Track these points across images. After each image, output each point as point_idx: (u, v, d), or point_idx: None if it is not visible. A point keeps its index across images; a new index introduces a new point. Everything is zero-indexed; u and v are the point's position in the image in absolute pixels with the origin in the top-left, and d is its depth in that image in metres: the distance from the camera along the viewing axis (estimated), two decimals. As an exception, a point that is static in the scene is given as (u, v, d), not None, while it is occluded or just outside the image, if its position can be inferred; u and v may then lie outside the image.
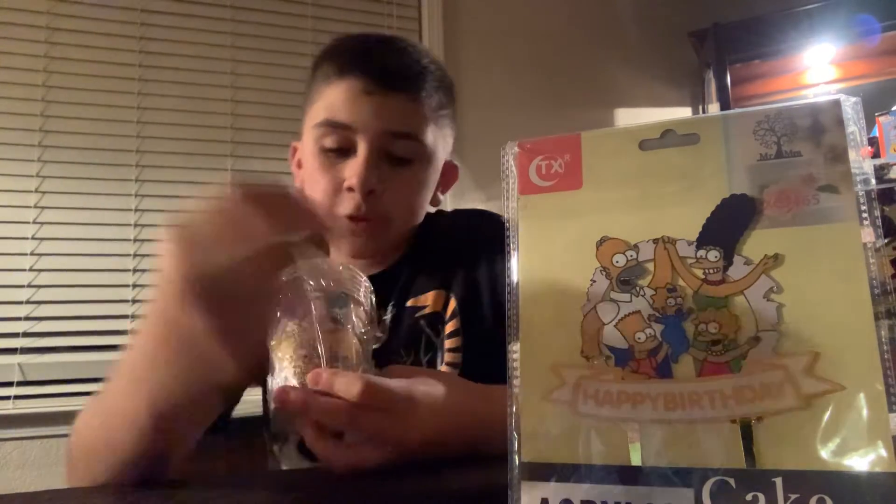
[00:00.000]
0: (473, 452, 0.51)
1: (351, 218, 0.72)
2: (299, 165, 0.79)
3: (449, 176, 0.83)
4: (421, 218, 0.81)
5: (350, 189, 0.70)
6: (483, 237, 0.79)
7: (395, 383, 0.49)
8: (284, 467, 0.75)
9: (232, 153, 1.91)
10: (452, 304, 0.76)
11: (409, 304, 0.77)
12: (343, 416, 0.46)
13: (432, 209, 0.84)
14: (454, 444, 0.51)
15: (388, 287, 0.78)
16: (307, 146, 0.75)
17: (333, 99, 0.72)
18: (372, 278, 0.79)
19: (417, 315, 0.76)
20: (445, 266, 0.78)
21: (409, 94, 0.72)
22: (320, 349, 0.47)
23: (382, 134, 0.71)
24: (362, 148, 0.70)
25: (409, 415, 0.48)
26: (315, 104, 0.74)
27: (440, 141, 0.77)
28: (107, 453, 0.49)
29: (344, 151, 0.72)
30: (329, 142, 0.72)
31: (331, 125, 0.71)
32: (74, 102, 1.77)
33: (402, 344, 0.75)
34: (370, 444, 0.48)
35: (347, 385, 0.45)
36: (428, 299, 0.77)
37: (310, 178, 0.75)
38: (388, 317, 0.77)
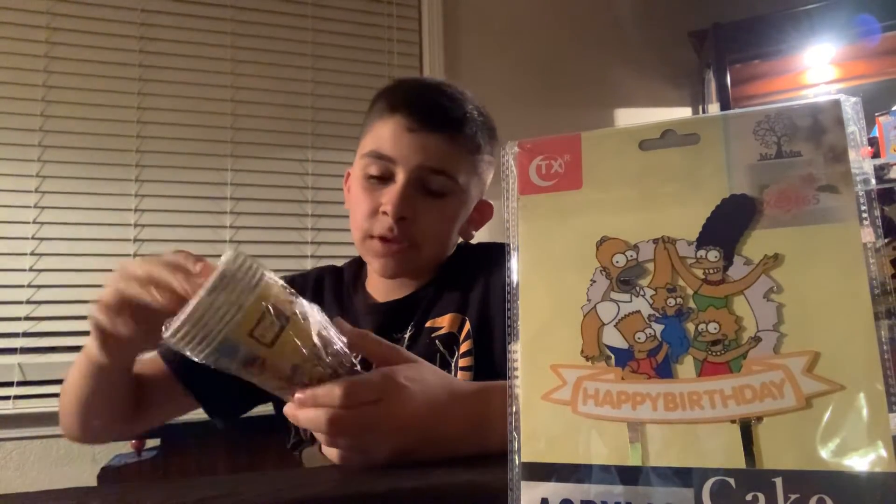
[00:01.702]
0: (474, 449, 0.51)
1: (383, 239, 0.79)
2: (350, 190, 0.88)
3: (482, 214, 0.90)
4: (449, 249, 0.87)
5: (385, 213, 0.78)
6: (499, 265, 0.84)
7: (376, 374, 0.51)
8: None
9: (232, 153, 1.90)
10: (467, 326, 0.81)
11: (427, 324, 0.82)
12: (325, 426, 0.48)
13: (461, 241, 0.90)
14: (451, 435, 0.53)
15: (413, 309, 0.84)
16: (355, 172, 0.84)
17: (382, 133, 0.80)
18: (400, 301, 0.84)
19: (434, 335, 0.81)
20: (464, 291, 0.83)
21: (447, 135, 0.79)
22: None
23: (419, 168, 0.78)
24: (400, 178, 0.78)
25: (396, 397, 0.50)
26: (367, 136, 0.83)
27: (474, 180, 0.85)
28: (64, 395, 0.68)
29: (385, 180, 0.79)
30: (373, 170, 0.79)
31: (376, 156, 0.79)
32: (74, 102, 1.77)
33: None
34: (364, 435, 0.50)
35: (328, 396, 0.48)
36: (445, 321, 0.82)
37: (354, 200, 0.83)
38: (406, 335, 0.82)
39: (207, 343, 0.42)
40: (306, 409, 0.48)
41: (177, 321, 0.42)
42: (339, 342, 0.49)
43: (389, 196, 0.77)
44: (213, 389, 0.76)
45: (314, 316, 0.48)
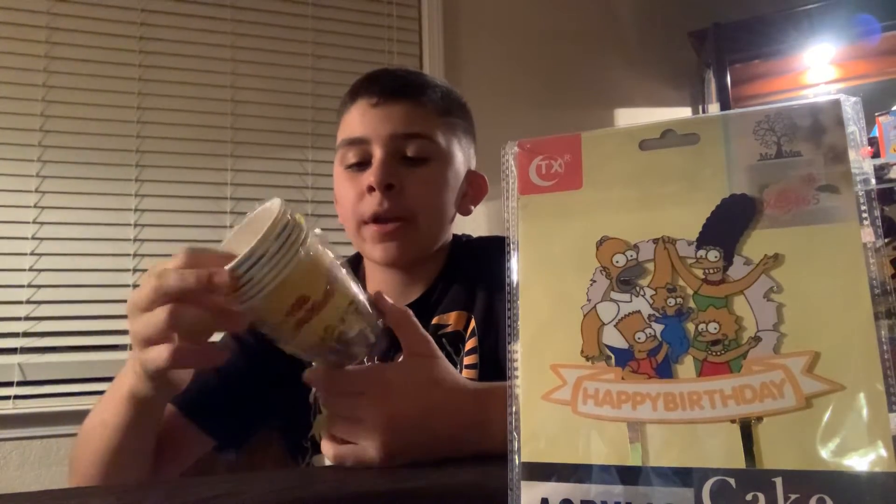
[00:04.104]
0: (475, 449, 0.51)
1: (377, 221, 0.76)
2: (336, 192, 0.85)
3: (477, 187, 0.87)
4: (447, 222, 0.84)
5: (371, 189, 0.75)
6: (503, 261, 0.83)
7: (365, 368, 0.53)
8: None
9: (232, 153, 1.90)
10: (472, 324, 0.80)
11: (434, 321, 0.81)
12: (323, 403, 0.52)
13: (462, 217, 0.87)
14: (450, 434, 0.53)
15: (422, 311, 0.81)
16: (336, 171, 0.82)
17: (349, 121, 0.80)
18: (410, 307, 0.81)
19: (440, 333, 0.80)
20: (469, 288, 0.82)
21: (412, 100, 0.79)
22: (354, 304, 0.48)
23: (393, 137, 0.77)
24: (377, 152, 0.76)
25: (379, 393, 0.51)
26: (338, 135, 0.82)
27: (455, 144, 0.82)
28: (101, 429, 0.59)
29: (364, 164, 0.78)
30: (351, 157, 0.78)
31: (349, 142, 0.79)
32: (74, 102, 1.77)
33: None
34: (354, 426, 0.51)
35: (315, 380, 0.53)
36: (451, 318, 0.80)
37: (340, 192, 0.81)
38: None
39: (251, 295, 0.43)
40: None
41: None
42: (364, 324, 0.49)
43: (371, 171, 0.75)
44: (223, 420, 0.74)
45: (348, 288, 0.48)
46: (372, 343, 0.51)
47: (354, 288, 0.49)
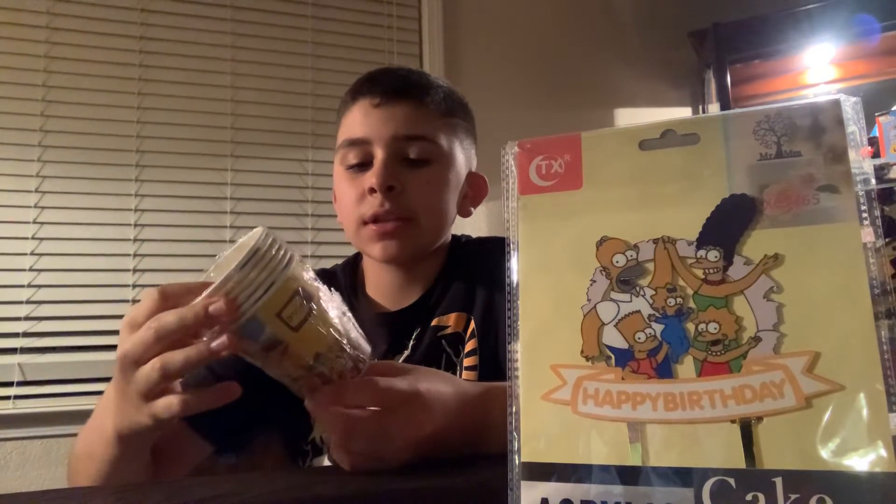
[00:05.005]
0: (475, 450, 0.51)
1: (377, 220, 0.76)
2: (335, 192, 0.85)
3: (478, 189, 0.88)
4: (448, 222, 0.84)
5: (372, 190, 0.75)
6: (503, 261, 0.82)
7: (400, 382, 0.50)
8: None
9: (232, 153, 1.90)
10: (472, 325, 0.80)
11: (433, 322, 0.80)
12: (341, 427, 0.48)
13: (462, 218, 0.87)
14: (458, 439, 0.52)
15: (422, 312, 0.82)
16: (336, 171, 0.82)
17: (350, 121, 0.80)
18: (410, 308, 0.81)
19: (440, 334, 0.80)
20: (469, 289, 0.82)
21: (415, 101, 0.79)
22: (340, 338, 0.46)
23: (395, 139, 0.77)
24: (379, 154, 0.76)
25: (419, 408, 0.50)
26: (339, 135, 0.82)
27: (457, 145, 0.83)
28: (87, 461, 0.58)
29: (366, 165, 0.77)
30: (352, 158, 0.78)
31: (350, 143, 0.78)
32: (74, 102, 1.77)
33: (422, 360, 0.78)
34: (381, 443, 0.49)
35: (355, 395, 0.48)
36: (451, 320, 0.80)
37: (341, 193, 0.81)
38: (413, 335, 0.80)
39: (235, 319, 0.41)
40: (328, 408, 0.48)
41: (204, 296, 0.41)
42: (356, 332, 0.48)
43: (372, 172, 0.75)
44: (221, 425, 0.72)
45: (336, 303, 0.47)
46: (358, 366, 0.49)
47: (339, 306, 0.49)
